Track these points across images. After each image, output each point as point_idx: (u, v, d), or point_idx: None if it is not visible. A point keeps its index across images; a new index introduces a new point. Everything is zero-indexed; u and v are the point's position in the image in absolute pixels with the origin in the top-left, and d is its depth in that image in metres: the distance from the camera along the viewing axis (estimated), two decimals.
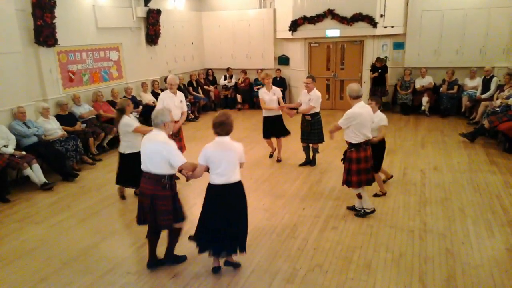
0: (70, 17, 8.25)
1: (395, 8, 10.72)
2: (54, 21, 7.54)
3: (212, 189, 3.95)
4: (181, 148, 6.40)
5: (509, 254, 4.29)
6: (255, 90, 12.55)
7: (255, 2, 12.71)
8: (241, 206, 4.00)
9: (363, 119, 4.82)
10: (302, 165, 7.24)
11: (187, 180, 4.27)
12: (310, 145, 7.17)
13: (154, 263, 4.24)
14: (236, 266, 4.20)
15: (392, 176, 6.35)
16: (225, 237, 3.94)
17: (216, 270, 4.13)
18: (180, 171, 4.08)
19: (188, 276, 4.09)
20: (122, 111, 5.46)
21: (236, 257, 4.21)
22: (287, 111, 7.12)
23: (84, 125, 8.08)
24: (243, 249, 4.08)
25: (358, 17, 10.58)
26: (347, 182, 5.08)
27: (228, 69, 12.95)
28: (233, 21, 12.78)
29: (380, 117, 5.49)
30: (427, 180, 6.38)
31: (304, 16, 11.10)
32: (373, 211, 5.23)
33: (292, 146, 7.89)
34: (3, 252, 4.71)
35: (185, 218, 4.17)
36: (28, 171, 6.42)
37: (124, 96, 9.40)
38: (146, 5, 10.31)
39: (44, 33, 7.40)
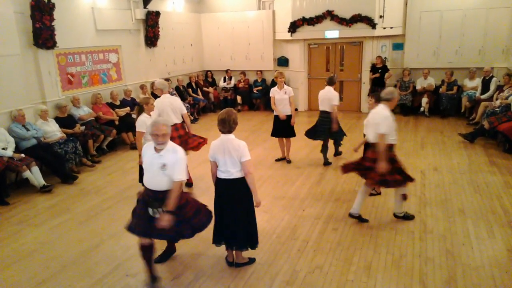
0: (69, 19, 8.24)
1: (394, 9, 10.73)
2: (53, 24, 7.52)
3: (218, 183, 4.04)
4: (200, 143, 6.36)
5: (510, 255, 4.27)
6: (255, 91, 12.59)
7: (254, 4, 12.72)
8: (244, 203, 4.01)
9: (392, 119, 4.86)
10: (325, 164, 7.29)
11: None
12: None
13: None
14: (250, 262, 4.27)
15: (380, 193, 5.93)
16: (235, 232, 4.01)
17: (229, 264, 4.25)
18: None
19: (189, 277, 4.08)
20: (141, 108, 5.36)
21: (248, 253, 4.28)
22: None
23: (83, 127, 8.06)
24: (254, 246, 4.15)
25: (357, 18, 10.58)
26: (403, 180, 4.90)
27: (227, 71, 12.96)
28: (232, 23, 12.77)
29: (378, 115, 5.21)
30: (427, 181, 6.37)
31: (303, 17, 11.10)
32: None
33: (292, 146, 7.76)
34: (2, 255, 4.69)
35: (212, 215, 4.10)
36: (27, 174, 6.40)
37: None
38: (145, 7, 10.30)
39: (43, 35, 7.39)
